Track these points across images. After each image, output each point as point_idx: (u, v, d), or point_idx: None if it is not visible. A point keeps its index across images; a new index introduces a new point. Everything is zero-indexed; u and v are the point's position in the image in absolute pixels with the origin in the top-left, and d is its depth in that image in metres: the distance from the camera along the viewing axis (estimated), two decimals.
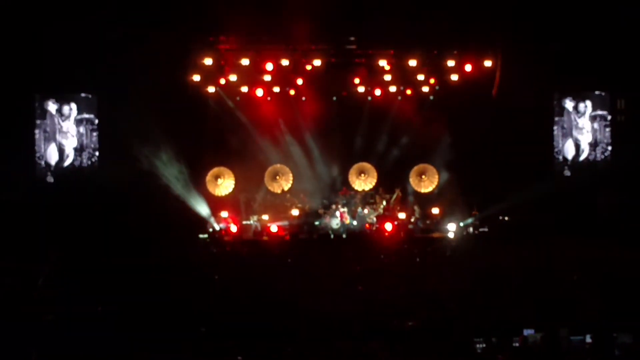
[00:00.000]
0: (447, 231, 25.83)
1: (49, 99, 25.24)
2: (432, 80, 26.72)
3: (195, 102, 26.09)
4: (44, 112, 25.20)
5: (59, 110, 25.40)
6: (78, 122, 25.38)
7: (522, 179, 24.91)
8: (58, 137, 25.38)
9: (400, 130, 27.71)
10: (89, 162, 25.45)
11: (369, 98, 27.40)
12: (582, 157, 26.73)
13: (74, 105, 25.28)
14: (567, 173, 26.64)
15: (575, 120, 26.79)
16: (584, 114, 26.74)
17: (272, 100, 27.39)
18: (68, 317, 12.38)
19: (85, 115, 25.41)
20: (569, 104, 26.71)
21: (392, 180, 27.63)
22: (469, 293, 14.01)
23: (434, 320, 11.90)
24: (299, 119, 27.56)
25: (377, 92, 27.13)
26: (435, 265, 17.74)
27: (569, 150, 26.79)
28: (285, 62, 25.14)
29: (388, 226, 25.65)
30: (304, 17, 23.11)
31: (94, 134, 25.45)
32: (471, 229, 25.70)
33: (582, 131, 26.78)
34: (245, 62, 25.08)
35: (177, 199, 24.92)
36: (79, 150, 25.44)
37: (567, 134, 26.81)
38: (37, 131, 25.20)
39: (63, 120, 25.36)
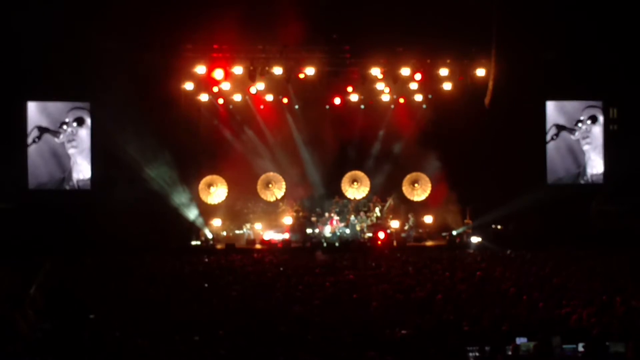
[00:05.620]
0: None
1: (42, 106, 25.26)
2: (425, 89, 26.85)
3: (187, 110, 26.10)
4: (37, 120, 25.21)
5: (52, 118, 25.39)
6: (71, 130, 25.35)
7: (515, 186, 24.99)
8: (51, 144, 25.36)
9: (393, 138, 27.81)
10: (82, 170, 25.45)
11: (362, 106, 27.48)
12: (575, 165, 26.91)
13: (67, 113, 25.27)
14: (560, 181, 26.77)
15: (569, 128, 26.89)
16: (576, 122, 26.83)
17: (265, 108, 27.43)
18: (61, 324, 12.30)
19: (79, 123, 25.37)
20: (562, 112, 26.82)
21: (385, 188, 27.70)
22: (462, 301, 13.97)
23: (427, 329, 11.84)
24: (292, 127, 27.60)
25: (371, 100, 27.24)
26: (428, 273, 17.69)
27: (563, 158, 26.92)
28: (278, 71, 25.19)
29: (381, 234, 25.70)
30: (297, 26, 23.17)
31: (88, 141, 25.44)
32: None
33: (575, 139, 26.90)
34: (238, 70, 25.09)
35: (169, 207, 24.91)
36: (72, 158, 25.41)
37: (560, 141, 26.92)
38: (29, 138, 25.19)
39: (57, 128, 25.31)
